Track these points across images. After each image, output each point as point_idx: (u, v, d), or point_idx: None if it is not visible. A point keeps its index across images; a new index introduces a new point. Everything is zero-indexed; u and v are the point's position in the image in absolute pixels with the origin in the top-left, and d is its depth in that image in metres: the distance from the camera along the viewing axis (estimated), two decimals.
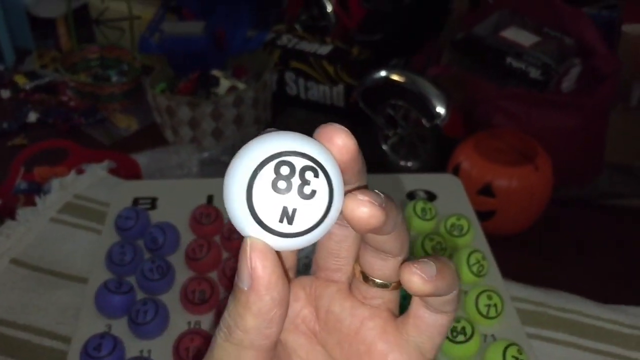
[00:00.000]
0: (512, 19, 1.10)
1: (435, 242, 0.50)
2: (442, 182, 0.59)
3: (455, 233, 0.52)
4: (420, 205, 0.53)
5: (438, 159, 1.06)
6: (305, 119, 1.35)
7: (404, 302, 0.44)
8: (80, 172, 0.64)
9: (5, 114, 1.50)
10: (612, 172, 1.08)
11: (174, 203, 0.56)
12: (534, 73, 1.00)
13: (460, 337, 0.43)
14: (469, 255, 0.49)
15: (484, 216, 0.97)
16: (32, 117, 1.44)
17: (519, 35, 1.06)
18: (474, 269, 0.48)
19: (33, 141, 1.28)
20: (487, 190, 0.94)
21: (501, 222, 0.96)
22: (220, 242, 0.52)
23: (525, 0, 1.13)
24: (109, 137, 1.39)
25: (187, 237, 0.52)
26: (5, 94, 1.57)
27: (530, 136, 0.98)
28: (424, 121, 1.05)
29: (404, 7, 1.34)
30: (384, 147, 1.15)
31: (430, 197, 0.58)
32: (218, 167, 1.22)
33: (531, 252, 0.92)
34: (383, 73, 1.10)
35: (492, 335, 0.45)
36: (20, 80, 1.62)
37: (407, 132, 1.10)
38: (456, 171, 0.97)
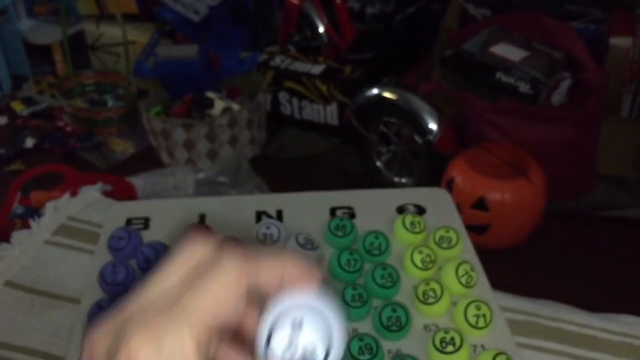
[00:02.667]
0: (501, 35, 1.12)
1: (424, 255, 0.51)
2: (431, 196, 0.60)
3: (444, 245, 0.52)
4: (409, 218, 0.54)
5: (431, 174, 1.07)
6: (300, 138, 1.36)
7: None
8: (74, 194, 0.64)
9: (2, 140, 1.51)
10: (606, 184, 1.08)
11: (167, 223, 0.57)
12: (524, 87, 1.02)
13: (450, 348, 0.43)
14: (458, 266, 0.49)
15: (478, 230, 0.97)
16: (29, 142, 1.45)
17: (508, 51, 1.07)
18: (463, 280, 0.49)
19: (30, 166, 1.29)
20: (480, 204, 0.95)
21: (495, 235, 0.96)
22: None
23: (514, 17, 1.15)
24: (105, 161, 1.40)
25: None
26: (3, 120, 1.59)
27: (523, 150, 0.99)
28: (416, 138, 1.06)
29: (395, 26, 1.35)
30: (378, 163, 1.16)
31: (420, 211, 0.58)
32: (214, 188, 1.23)
33: (526, 265, 0.92)
34: (375, 91, 1.11)
35: (482, 346, 0.45)
36: (17, 106, 1.63)
37: (400, 149, 1.10)
38: (449, 186, 0.98)
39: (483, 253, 0.78)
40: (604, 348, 0.48)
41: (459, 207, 0.98)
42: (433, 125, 1.04)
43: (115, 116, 1.46)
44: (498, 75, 1.04)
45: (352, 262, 0.50)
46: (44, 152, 1.40)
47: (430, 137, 1.03)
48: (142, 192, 1.17)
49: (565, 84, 1.06)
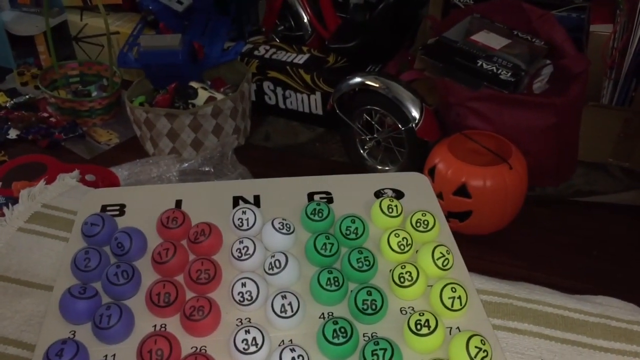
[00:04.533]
0: (482, 24, 1.12)
1: (400, 238, 0.50)
2: (409, 181, 0.60)
3: (421, 228, 0.52)
4: (386, 202, 0.54)
5: (415, 161, 1.07)
6: (284, 127, 1.36)
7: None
8: (50, 183, 0.64)
9: None
10: (586, 170, 1.09)
11: (143, 209, 0.56)
12: (505, 75, 1.02)
13: (424, 330, 0.43)
14: (434, 249, 0.49)
15: (460, 216, 0.98)
16: (13, 134, 1.44)
17: (489, 39, 1.08)
18: (439, 262, 0.49)
19: (14, 157, 1.28)
20: (463, 191, 0.95)
21: (478, 221, 0.97)
22: (187, 246, 0.52)
23: (495, 4, 1.15)
24: (89, 151, 1.38)
25: (154, 241, 0.52)
26: None
27: (504, 137, 1.00)
28: (399, 125, 1.06)
29: (377, 15, 1.35)
30: (362, 152, 1.16)
31: (398, 195, 0.58)
32: (198, 177, 1.23)
33: (507, 250, 0.92)
34: (358, 79, 1.11)
35: (457, 328, 0.45)
36: (1, 98, 1.61)
37: (383, 137, 1.10)
38: (432, 173, 0.98)
39: (465, 239, 0.78)
40: (579, 329, 0.48)
41: (442, 194, 0.99)
42: (415, 113, 1.04)
43: (99, 107, 1.45)
44: (479, 62, 1.04)
45: (328, 246, 0.50)
46: (28, 143, 1.39)
47: (413, 125, 1.03)
48: (125, 181, 1.16)
49: (547, 71, 1.07)
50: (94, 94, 1.51)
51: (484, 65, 1.03)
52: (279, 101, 1.38)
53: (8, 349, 0.47)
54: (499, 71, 1.02)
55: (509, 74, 1.01)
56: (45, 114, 1.49)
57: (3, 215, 0.61)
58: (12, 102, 1.55)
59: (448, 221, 0.90)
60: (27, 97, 1.58)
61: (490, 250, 0.84)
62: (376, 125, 1.11)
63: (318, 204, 0.54)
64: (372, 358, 0.41)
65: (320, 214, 0.54)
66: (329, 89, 1.25)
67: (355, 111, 1.14)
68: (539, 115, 1.01)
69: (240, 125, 1.31)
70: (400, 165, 1.09)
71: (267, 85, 1.38)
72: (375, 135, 1.12)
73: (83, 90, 1.54)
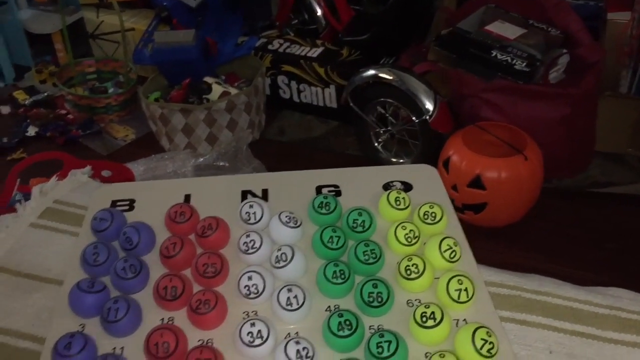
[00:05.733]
0: (497, 13, 1.11)
1: (407, 230, 0.50)
2: (418, 173, 0.60)
3: (429, 221, 0.52)
4: (394, 195, 0.54)
5: (429, 154, 1.06)
6: (299, 121, 1.35)
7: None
8: (61, 178, 0.64)
9: (5, 129, 1.52)
10: (603, 161, 1.07)
11: (152, 203, 0.57)
12: (520, 65, 1.00)
13: (430, 322, 0.43)
14: (441, 241, 0.49)
15: (475, 209, 0.97)
16: (31, 131, 1.46)
17: (503, 29, 1.06)
18: (447, 254, 0.48)
19: (32, 155, 1.30)
20: (477, 183, 0.94)
21: (493, 213, 0.96)
22: (195, 240, 0.52)
23: None
24: (106, 147, 1.40)
25: (163, 236, 0.53)
26: (5, 109, 1.59)
27: (519, 128, 0.98)
28: (413, 118, 1.05)
29: (391, 7, 1.34)
30: (376, 145, 1.15)
31: (407, 187, 0.58)
32: (213, 172, 1.23)
33: (522, 242, 0.91)
34: (371, 72, 1.10)
35: (464, 320, 0.45)
36: (20, 96, 1.64)
37: (397, 130, 1.10)
38: (446, 165, 0.97)
39: (481, 231, 0.77)
40: (588, 321, 0.47)
41: (456, 186, 0.98)
42: (429, 105, 1.03)
43: (115, 103, 1.46)
44: (494, 53, 1.03)
45: (335, 239, 0.50)
46: (46, 140, 1.41)
47: (427, 117, 1.03)
48: (142, 177, 1.17)
49: (563, 61, 1.05)
50: (111, 90, 1.52)
51: (498, 55, 1.02)
52: (293, 95, 1.38)
53: (19, 342, 0.48)
54: (514, 61, 1.01)
55: (524, 64, 1.00)
56: (63, 111, 1.50)
57: (15, 211, 0.62)
58: (30, 99, 1.57)
59: (463, 213, 0.89)
60: (45, 94, 1.60)
61: (505, 242, 0.84)
62: (390, 118, 1.11)
63: (325, 197, 0.54)
64: (377, 350, 0.41)
65: (327, 207, 0.54)
66: (343, 82, 1.25)
67: (369, 104, 1.13)
68: (554, 106, 0.99)
69: (255, 120, 1.31)
70: (415, 157, 1.09)
71: (281, 80, 1.38)
72: (389, 128, 1.11)
73: (100, 87, 1.56)
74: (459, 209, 0.96)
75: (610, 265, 0.76)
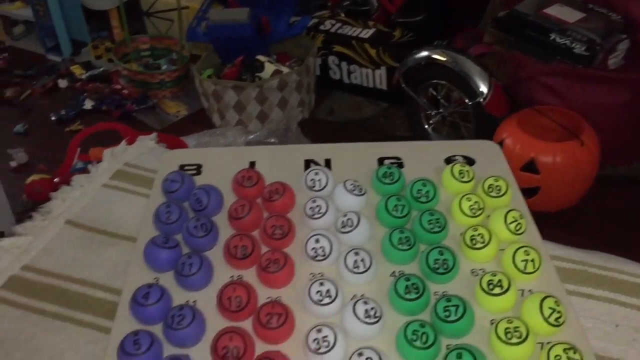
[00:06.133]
0: None
1: (472, 202, 0.50)
2: (481, 148, 0.60)
3: (493, 194, 0.52)
4: (458, 167, 0.54)
5: (481, 137, 1.05)
6: (348, 102, 1.36)
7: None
8: (130, 144, 0.67)
9: (63, 102, 1.57)
10: None
11: (218, 169, 0.58)
12: (579, 49, 0.99)
13: (497, 289, 0.43)
14: (507, 213, 0.49)
15: (528, 193, 0.96)
16: (88, 104, 1.50)
17: (563, 12, 1.05)
18: (512, 227, 0.48)
19: (89, 126, 1.34)
20: (531, 167, 0.94)
21: (545, 198, 0.95)
22: (261, 204, 0.54)
23: None
24: (159, 122, 1.43)
25: (230, 199, 0.54)
26: (63, 83, 1.64)
27: (576, 113, 0.97)
28: (466, 100, 1.04)
29: None
30: (426, 127, 1.15)
31: (469, 162, 0.58)
32: None
33: (574, 228, 0.91)
34: (425, 53, 1.10)
35: (530, 290, 0.45)
36: (77, 70, 1.69)
37: (449, 112, 1.10)
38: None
39: (532, 216, 0.77)
40: None
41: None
42: (484, 88, 1.03)
43: (169, 79, 1.50)
44: (552, 36, 1.01)
45: (400, 208, 0.51)
46: (102, 114, 1.45)
47: (481, 99, 1.02)
48: None
49: (623, 46, 1.03)
50: (164, 67, 1.56)
51: (557, 39, 1.00)
52: (343, 76, 1.38)
53: (97, 292, 0.50)
54: (573, 45, 0.99)
55: (583, 48, 0.98)
56: (118, 86, 1.54)
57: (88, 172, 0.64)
58: (87, 74, 1.62)
59: None
60: (100, 69, 1.65)
61: (559, 227, 0.83)
62: (442, 100, 1.10)
63: (389, 168, 0.55)
64: (444, 314, 0.42)
65: (391, 177, 0.54)
66: (394, 64, 1.25)
67: (421, 86, 1.13)
68: (613, 91, 0.98)
69: (305, 99, 1.32)
70: (465, 140, 1.08)
71: (332, 60, 1.38)
72: (440, 110, 1.11)
73: (153, 63, 1.59)
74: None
75: None
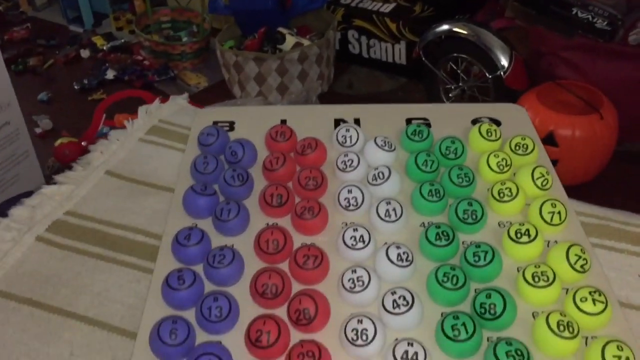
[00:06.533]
0: None
1: (500, 159, 0.52)
2: (506, 111, 0.61)
3: (520, 152, 0.54)
4: (485, 127, 0.55)
5: None
6: (367, 76, 1.37)
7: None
8: (163, 102, 0.69)
9: (86, 71, 1.59)
10: None
11: (251, 126, 0.60)
12: (601, 23, 1.00)
13: (524, 238, 0.45)
14: (534, 169, 0.51)
15: None
16: (110, 74, 1.52)
17: None
18: (538, 182, 0.50)
19: (110, 95, 1.36)
20: (550, 140, 0.95)
21: (564, 171, 0.96)
22: (294, 157, 0.56)
23: None
24: (180, 93, 1.44)
25: (263, 154, 0.56)
26: (85, 53, 1.67)
27: (595, 88, 0.98)
28: (486, 74, 1.06)
29: None
30: (446, 101, 1.16)
31: (496, 123, 0.59)
32: None
33: (595, 203, 0.92)
34: (446, 27, 1.11)
35: (555, 241, 0.47)
36: (99, 41, 1.71)
37: (469, 86, 1.11)
38: None
39: None
40: None
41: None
42: (505, 61, 1.04)
43: (190, 51, 1.51)
44: (574, 10, 1.02)
45: (429, 163, 0.53)
46: (124, 84, 1.47)
47: (501, 73, 1.03)
48: None
49: None
50: (185, 39, 1.57)
51: (579, 13, 1.01)
52: (362, 50, 1.39)
53: (137, 237, 0.52)
54: (595, 20, 1.00)
55: (605, 22, 0.99)
56: (140, 57, 1.56)
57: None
58: (108, 45, 1.64)
59: None
60: (122, 41, 1.66)
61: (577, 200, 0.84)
62: (462, 74, 1.11)
63: (418, 126, 0.57)
64: (473, 259, 0.44)
65: (420, 135, 0.56)
66: (414, 38, 1.25)
67: (441, 59, 1.14)
68: (633, 67, 0.99)
69: (325, 72, 1.34)
70: None
71: (351, 34, 1.39)
72: (460, 84, 1.12)
73: (174, 35, 1.61)
74: None
75: None
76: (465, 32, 1.08)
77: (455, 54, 1.11)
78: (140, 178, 0.57)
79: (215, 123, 0.61)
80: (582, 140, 0.94)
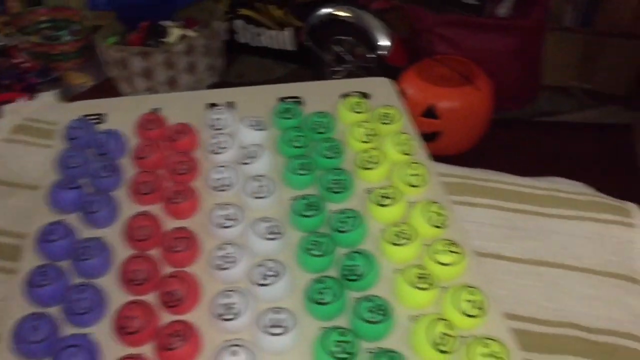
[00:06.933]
0: None
1: (365, 129, 0.54)
2: (375, 85, 0.63)
3: (387, 121, 0.56)
4: (353, 99, 0.57)
5: None
6: (257, 65, 1.37)
7: None
8: (30, 99, 0.66)
9: None
10: (551, 94, 1.13)
11: (122, 116, 0.59)
12: None
13: (387, 201, 0.47)
14: (397, 137, 0.53)
15: (429, 137, 1.02)
16: None
17: None
18: (403, 148, 0.52)
19: None
20: (431, 113, 0.99)
21: (446, 142, 1.01)
22: (166, 144, 0.55)
23: None
24: (65, 94, 1.39)
25: (134, 142, 0.55)
26: None
27: (471, 61, 1.03)
28: (369, 54, 1.08)
29: None
30: None
31: (365, 97, 0.61)
32: None
33: (475, 167, 0.97)
34: (328, 10, 1.13)
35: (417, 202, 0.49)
36: None
37: (354, 66, 1.13)
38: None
39: (435, 160, 0.82)
40: (530, 200, 0.52)
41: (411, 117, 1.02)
42: (385, 41, 1.07)
43: (72, 50, 1.46)
44: None
45: (299, 138, 0.54)
46: (4, 89, 1.40)
47: (383, 53, 1.06)
48: None
49: None
50: (67, 38, 1.51)
51: None
52: (251, 39, 1.39)
53: (3, 238, 0.50)
54: None
55: None
56: (18, 60, 1.49)
57: None
58: None
59: None
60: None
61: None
62: (347, 56, 1.14)
63: (288, 104, 0.58)
64: (339, 225, 0.45)
65: (290, 112, 0.57)
66: (300, 24, 1.27)
67: (326, 43, 1.16)
68: (503, 39, 1.04)
69: (215, 63, 1.32)
70: None
71: (238, 24, 1.39)
72: (346, 66, 1.15)
73: (54, 35, 1.54)
74: None
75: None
76: (346, 14, 1.10)
77: (338, 37, 1.13)
78: (4, 179, 0.55)
79: (85, 116, 0.60)
80: (461, 111, 0.98)
